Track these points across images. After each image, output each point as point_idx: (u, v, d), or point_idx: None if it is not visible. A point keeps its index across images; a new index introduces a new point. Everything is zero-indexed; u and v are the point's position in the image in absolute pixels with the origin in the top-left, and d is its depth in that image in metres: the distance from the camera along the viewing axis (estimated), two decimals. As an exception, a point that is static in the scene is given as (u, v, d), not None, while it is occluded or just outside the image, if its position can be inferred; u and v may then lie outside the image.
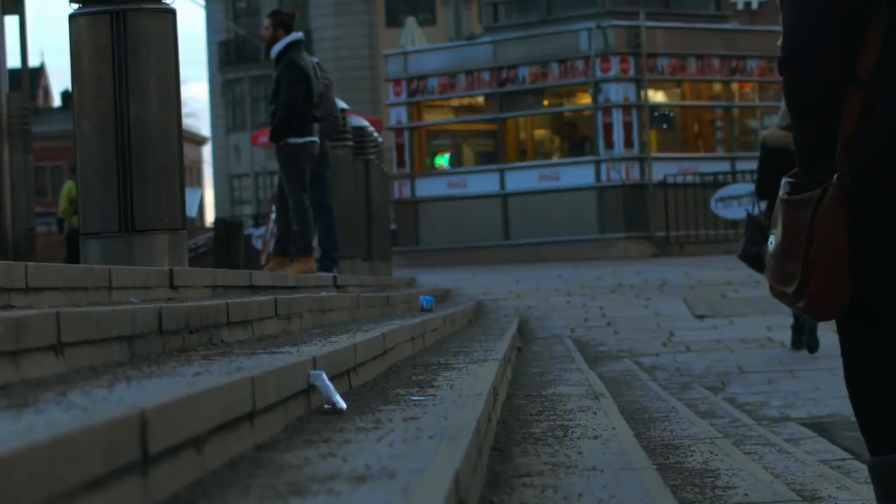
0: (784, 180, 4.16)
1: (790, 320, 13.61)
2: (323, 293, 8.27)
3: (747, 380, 9.98)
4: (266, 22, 12.06)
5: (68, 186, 21.93)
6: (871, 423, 4.04)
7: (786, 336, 12.36)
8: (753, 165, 25.97)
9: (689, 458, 5.46)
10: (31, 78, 40.32)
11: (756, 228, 11.67)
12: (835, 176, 3.93)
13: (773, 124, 12.22)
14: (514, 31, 28.30)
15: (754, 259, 11.39)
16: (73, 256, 19.86)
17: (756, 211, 12.10)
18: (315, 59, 12.29)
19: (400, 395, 4.40)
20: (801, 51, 3.97)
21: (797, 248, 3.99)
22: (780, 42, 4.00)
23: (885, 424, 4.00)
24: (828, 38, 3.93)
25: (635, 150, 28.64)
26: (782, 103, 12.85)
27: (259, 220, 33.64)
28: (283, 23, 11.83)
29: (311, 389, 3.89)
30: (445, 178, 28.53)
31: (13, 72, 14.05)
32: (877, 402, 4.04)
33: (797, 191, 4.09)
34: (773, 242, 4.08)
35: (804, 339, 11.89)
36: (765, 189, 11.77)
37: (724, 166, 28.17)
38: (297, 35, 11.78)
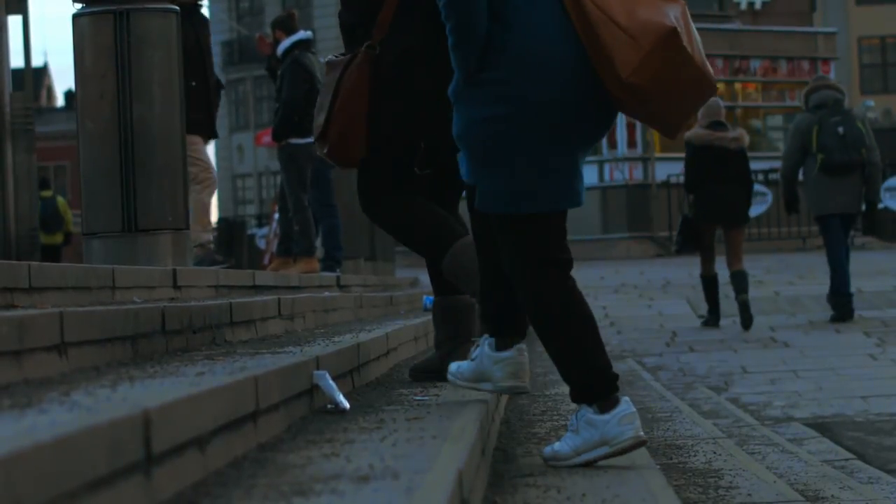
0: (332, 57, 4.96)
1: (794, 320, 13.63)
2: (326, 293, 8.27)
3: (750, 380, 9.98)
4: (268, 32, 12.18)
5: None
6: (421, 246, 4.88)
7: (790, 336, 12.37)
8: (756, 166, 25.99)
9: (693, 458, 5.46)
10: (35, 78, 40.23)
11: (689, 226, 13.21)
12: (364, 45, 4.71)
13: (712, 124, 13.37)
14: (517, 31, 28.27)
15: (690, 250, 13.32)
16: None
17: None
18: (322, 59, 12.30)
19: (403, 395, 4.40)
20: None
21: (325, 105, 4.71)
22: None
23: (430, 244, 4.82)
24: None
25: (638, 151, 28.65)
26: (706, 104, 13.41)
27: (262, 219, 33.65)
28: (279, 24, 11.88)
29: (314, 389, 3.89)
30: (448, 178, 28.49)
31: (16, 71, 14.06)
32: (410, 230, 4.87)
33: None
34: (318, 103, 4.80)
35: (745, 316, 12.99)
36: (693, 184, 13.18)
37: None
38: (304, 34, 11.81)
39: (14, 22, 12.95)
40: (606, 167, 28.78)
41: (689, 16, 3.90)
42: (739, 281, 13.00)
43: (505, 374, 4.10)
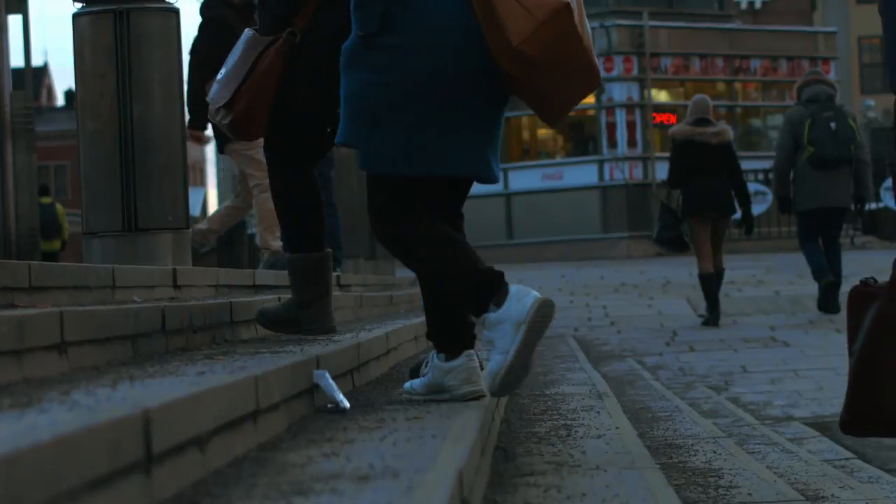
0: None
1: (794, 319, 13.63)
2: (326, 292, 8.26)
3: (751, 379, 9.97)
4: None
5: None
6: (291, 226, 5.05)
7: (790, 335, 12.37)
8: (757, 165, 26.01)
9: (693, 457, 5.46)
10: (35, 77, 40.22)
11: (670, 215, 13.16)
12: (286, 31, 4.89)
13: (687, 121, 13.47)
14: (517, 31, 28.22)
15: (670, 241, 13.14)
16: None
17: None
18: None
19: (403, 394, 4.40)
20: None
21: (237, 77, 4.91)
22: None
23: (298, 229, 5.02)
24: None
25: (638, 150, 28.65)
26: (691, 102, 13.67)
27: (262, 219, 33.57)
28: None
29: (314, 389, 3.89)
30: (448, 178, 28.45)
31: (16, 71, 14.07)
32: (293, 210, 5.03)
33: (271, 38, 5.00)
34: (223, 72, 4.96)
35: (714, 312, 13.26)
36: (676, 179, 13.22)
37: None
38: None
39: (14, 21, 12.95)
40: (606, 166, 28.78)
41: (583, 6, 4.04)
42: (716, 280, 13.26)
43: (459, 381, 4.19)
